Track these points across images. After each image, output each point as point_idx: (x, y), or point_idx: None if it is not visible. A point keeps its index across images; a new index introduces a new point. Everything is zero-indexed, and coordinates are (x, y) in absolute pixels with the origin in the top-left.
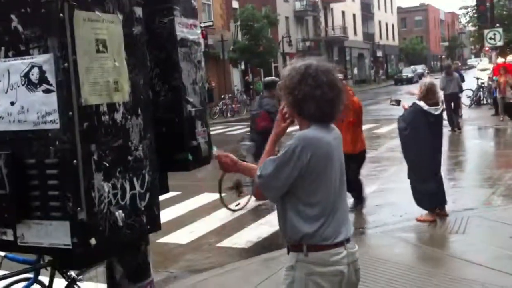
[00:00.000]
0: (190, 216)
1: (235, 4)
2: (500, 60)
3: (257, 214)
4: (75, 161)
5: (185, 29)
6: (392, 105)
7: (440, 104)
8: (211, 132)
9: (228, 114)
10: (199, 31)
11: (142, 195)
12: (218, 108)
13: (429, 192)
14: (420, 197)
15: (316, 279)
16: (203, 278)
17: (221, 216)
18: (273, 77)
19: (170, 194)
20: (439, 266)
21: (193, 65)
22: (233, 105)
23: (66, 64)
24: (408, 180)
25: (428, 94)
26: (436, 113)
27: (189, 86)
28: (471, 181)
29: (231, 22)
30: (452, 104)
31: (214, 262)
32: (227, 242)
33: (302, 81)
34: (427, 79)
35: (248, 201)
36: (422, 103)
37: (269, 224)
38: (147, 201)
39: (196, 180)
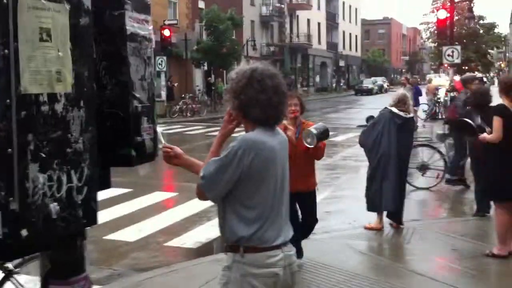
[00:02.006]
0: (140, 214)
1: (201, 4)
2: (457, 77)
3: (208, 215)
4: (9, 149)
5: (136, 24)
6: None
7: (411, 114)
8: (170, 131)
9: (188, 114)
10: (150, 27)
11: (79, 188)
12: (178, 107)
13: (370, 194)
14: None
15: (251, 280)
16: (147, 277)
17: (171, 216)
18: None
19: (121, 191)
20: (383, 275)
21: (142, 61)
22: (194, 105)
23: (6, 51)
24: (359, 188)
25: (399, 103)
26: (405, 116)
27: (137, 82)
28: (419, 193)
29: (196, 22)
30: None
31: (161, 262)
32: (175, 242)
33: (248, 85)
34: (400, 90)
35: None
36: (392, 108)
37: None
38: (84, 195)
39: (148, 178)
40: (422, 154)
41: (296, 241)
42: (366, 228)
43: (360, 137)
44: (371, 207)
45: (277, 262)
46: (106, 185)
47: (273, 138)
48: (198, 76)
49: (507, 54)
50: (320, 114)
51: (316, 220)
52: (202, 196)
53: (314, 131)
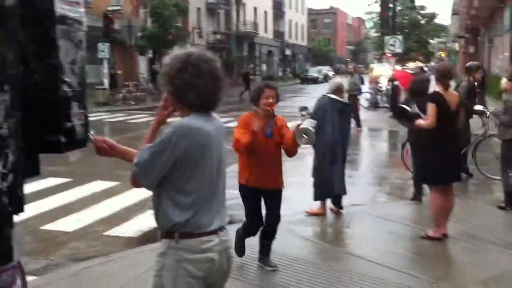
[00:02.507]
0: (79, 203)
1: None
2: (398, 67)
3: (149, 204)
4: None
5: (66, 6)
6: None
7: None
8: (112, 119)
9: (132, 102)
10: (82, 10)
11: (4, 175)
12: (121, 95)
13: (320, 182)
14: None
15: (186, 266)
16: (86, 266)
17: (111, 205)
18: None
19: (60, 180)
20: (323, 258)
21: (73, 44)
22: (138, 93)
23: None
24: (304, 175)
25: (337, 90)
26: (344, 101)
27: (66, 66)
28: (360, 179)
29: (141, 8)
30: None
31: (100, 251)
32: (115, 231)
33: (183, 70)
34: (337, 79)
35: None
36: (330, 95)
37: None
38: (10, 182)
39: (88, 167)
40: None
41: (263, 246)
42: (308, 213)
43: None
44: (319, 195)
45: (212, 247)
46: (35, 172)
47: (209, 123)
48: (142, 64)
49: (447, 44)
50: (247, 103)
51: (279, 220)
52: (136, 184)
53: (311, 129)
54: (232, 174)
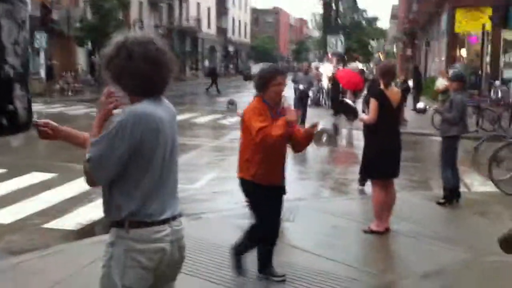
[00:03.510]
0: (16, 195)
1: None
2: (340, 66)
3: (89, 196)
4: None
5: None
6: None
7: None
8: (50, 110)
9: (70, 93)
10: None
11: None
12: (58, 86)
13: None
14: None
15: (135, 256)
16: (23, 260)
17: (50, 197)
18: None
19: None
20: None
21: (16, 24)
22: (76, 84)
23: None
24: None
25: None
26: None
27: (9, 46)
28: (304, 174)
29: None
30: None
31: (38, 244)
32: (54, 224)
33: (117, 54)
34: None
35: None
36: None
37: (101, 207)
38: None
39: (25, 157)
40: None
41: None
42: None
43: None
44: None
45: (164, 237)
46: None
47: (160, 108)
48: (81, 55)
49: (385, 47)
50: (209, 97)
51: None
52: (92, 182)
53: (329, 132)
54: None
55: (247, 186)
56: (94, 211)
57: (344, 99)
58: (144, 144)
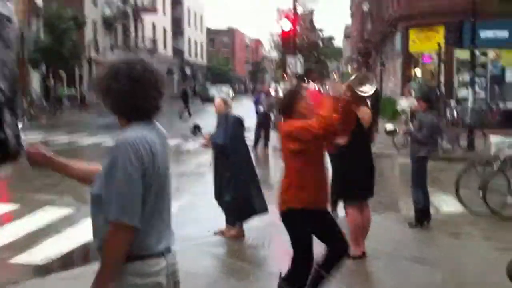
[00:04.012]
0: None
1: (39, 1)
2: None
3: (57, 228)
4: None
5: None
6: (193, 133)
7: None
8: None
9: (25, 120)
10: (11, 6)
11: None
12: None
13: (241, 202)
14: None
15: None
16: None
17: (15, 230)
18: None
19: None
20: (244, 278)
21: (2, 44)
22: (31, 110)
23: None
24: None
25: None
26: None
27: None
28: (274, 199)
29: (34, 19)
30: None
31: (5, 281)
32: (21, 258)
33: (105, 75)
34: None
35: None
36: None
37: (70, 239)
38: None
39: None
40: None
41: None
42: (225, 235)
43: (221, 142)
44: (241, 215)
45: (160, 271)
46: None
47: (152, 133)
48: (35, 79)
49: (340, 68)
50: (169, 121)
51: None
52: (125, 234)
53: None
54: None
55: (296, 216)
56: (62, 243)
57: None
58: (148, 172)
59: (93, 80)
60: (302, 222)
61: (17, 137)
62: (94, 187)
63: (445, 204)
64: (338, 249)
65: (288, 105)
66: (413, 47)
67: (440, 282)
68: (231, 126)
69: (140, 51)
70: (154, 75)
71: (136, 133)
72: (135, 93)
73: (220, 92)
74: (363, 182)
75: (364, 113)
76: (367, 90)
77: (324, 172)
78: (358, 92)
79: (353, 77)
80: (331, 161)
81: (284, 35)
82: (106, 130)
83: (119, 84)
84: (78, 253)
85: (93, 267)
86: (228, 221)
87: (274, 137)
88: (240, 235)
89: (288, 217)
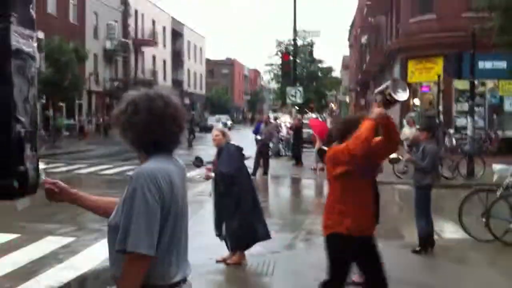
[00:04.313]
0: None
1: (41, 34)
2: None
3: (58, 256)
4: None
5: (21, 40)
6: (197, 165)
7: None
8: None
9: None
10: (35, 44)
11: None
12: None
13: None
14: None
15: None
16: None
17: (16, 259)
18: None
19: None
20: None
21: (26, 81)
22: None
23: None
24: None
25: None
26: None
27: (20, 104)
28: (275, 226)
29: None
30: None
31: None
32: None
33: (126, 109)
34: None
35: None
36: (234, 143)
37: (73, 268)
38: None
39: None
40: None
41: None
42: (227, 263)
43: (225, 170)
44: (244, 242)
45: None
46: None
47: (171, 164)
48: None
49: (337, 97)
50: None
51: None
52: (141, 264)
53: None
54: None
55: (338, 241)
56: (63, 272)
57: (323, 147)
58: (165, 203)
59: (112, 114)
60: (344, 248)
61: (36, 170)
62: (112, 218)
63: (448, 230)
64: (375, 285)
65: (345, 132)
66: (412, 78)
67: None
68: (234, 155)
69: (140, 82)
70: (175, 110)
71: (155, 164)
72: (155, 128)
73: (217, 124)
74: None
75: None
76: (402, 96)
77: (370, 199)
78: (393, 97)
79: (387, 83)
80: None
81: (286, 67)
82: (105, 159)
83: (140, 118)
84: (81, 282)
85: None
86: (231, 249)
87: (275, 166)
88: (243, 262)
89: (331, 242)
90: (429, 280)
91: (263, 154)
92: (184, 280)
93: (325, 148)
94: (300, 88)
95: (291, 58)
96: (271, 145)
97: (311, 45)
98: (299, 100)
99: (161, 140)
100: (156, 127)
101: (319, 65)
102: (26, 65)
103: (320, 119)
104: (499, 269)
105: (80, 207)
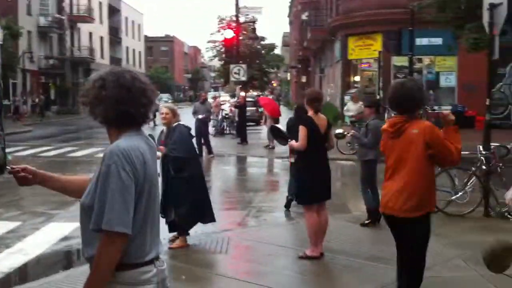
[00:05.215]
0: None
1: None
2: (242, 93)
3: (5, 242)
4: None
5: None
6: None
7: None
8: None
9: None
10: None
11: None
12: None
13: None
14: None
15: None
16: None
17: None
18: None
19: None
20: (207, 285)
21: None
22: None
23: None
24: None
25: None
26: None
27: None
28: (225, 204)
29: None
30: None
31: None
32: None
33: (93, 86)
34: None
35: None
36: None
37: (22, 253)
38: None
39: None
40: None
41: None
42: (170, 248)
43: (181, 154)
44: (190, 227)
45: (151, 278)
46: None
47: (142, 141)
48: None
49: (279, 74)
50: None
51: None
52: (119, 243)
53: None
54: None
55: (429, 219)
56: (13, 257)
57: (276, 125)
58: (140, 182)
59: (79, 93)
60: (429, 224)
61: (3, 149)
62: (85, 197)
63: None
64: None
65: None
66: (352, 55)
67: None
68: (186, 138)
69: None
70: (143, 83)
71: (128, 142)
72: (125, 100)
73: (162, 101)
74: (320, 185)
75: (321, 119)
76: None
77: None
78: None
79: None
80: (291, 164)
81: (227, 43)
82: (43, 140)
83: (108, 92)
84: (31, 266)
85: (50, 279)
86: (179, 232)
87: (220, 144)
88: (185, 245)
89: (426, 221)
90: (379, 252)
91: (202, 134)
92: (157, 257)
93: (278, 126)
94: (244, 66)
95: (234, 34)
96: (211, 123)
97: (253, 21)
98: (242, 78)
99: (131, 112)
100: (125, 99)
101: (262, 42)
102: None
103: (262, 96)
104: (442, 238)
105: (54, 190)
